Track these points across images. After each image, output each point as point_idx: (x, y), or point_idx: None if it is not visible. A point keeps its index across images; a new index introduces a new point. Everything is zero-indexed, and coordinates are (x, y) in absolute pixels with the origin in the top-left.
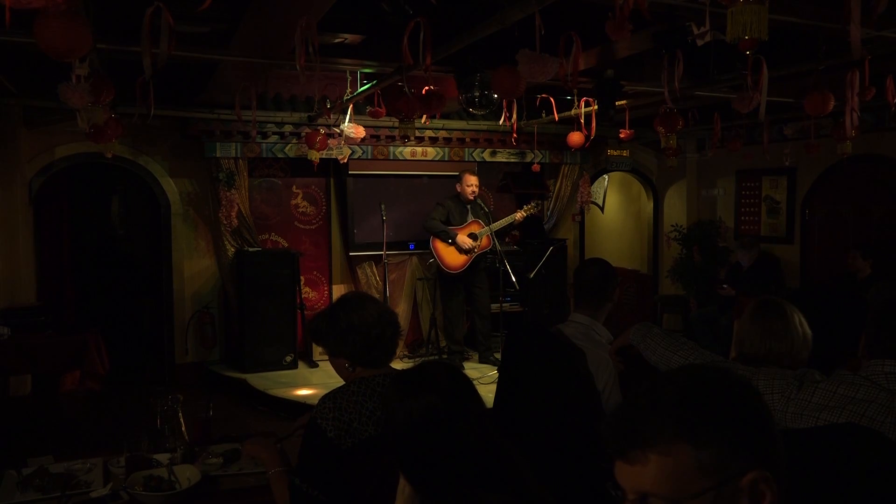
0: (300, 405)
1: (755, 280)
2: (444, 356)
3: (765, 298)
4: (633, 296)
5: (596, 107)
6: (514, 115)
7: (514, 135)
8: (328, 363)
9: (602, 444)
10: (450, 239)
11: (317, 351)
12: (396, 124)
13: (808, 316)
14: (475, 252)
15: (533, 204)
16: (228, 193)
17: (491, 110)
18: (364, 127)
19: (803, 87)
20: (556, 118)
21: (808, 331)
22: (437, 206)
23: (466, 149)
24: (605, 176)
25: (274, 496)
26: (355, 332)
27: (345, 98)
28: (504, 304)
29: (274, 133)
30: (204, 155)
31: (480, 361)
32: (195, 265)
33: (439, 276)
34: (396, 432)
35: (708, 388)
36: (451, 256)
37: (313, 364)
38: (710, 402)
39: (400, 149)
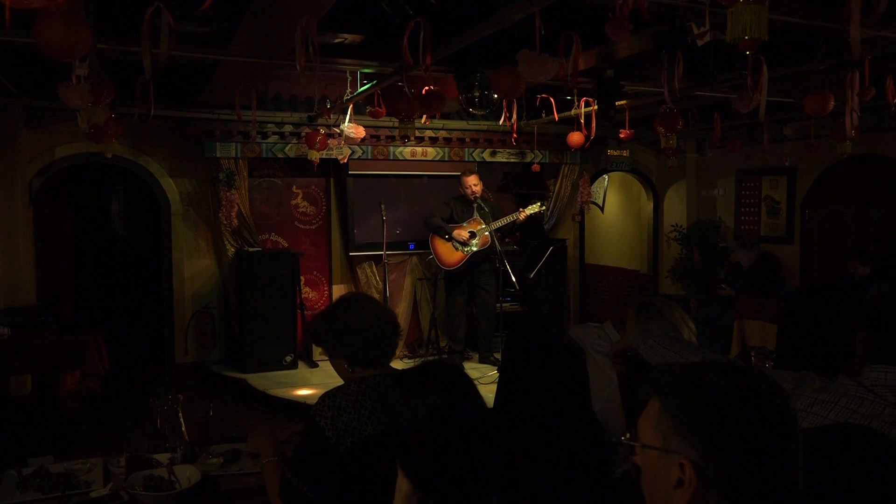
0: (300, 405)
1: (755, 280)
2: (444, 356)
3: (643, 300)
4: (633, 296)
5: (596, 107)
6: (514, 115)
7: (514, 135)
8: (328, 363)
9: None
10: (446, 235)
11: (317, 351)
12: (396, 124)
13: (808, 316)
14: (472, 250)
15: (539, 203)
16: (228, 193)
17: (491, 110)
18: (364, 127)
19: (803, 87)
20: (556, 118)
21: (693, 326)
22: (443, 204)
23: (466, 149)
24: (605, 176)
25: (265, 483)
26: (353, 333)
27: (345, 98)
28: (504, 304)
29: (274, 133)
30: (204, 155)
31: (480, 361)
32: (195, 265)
33: (444, 274)
34: (400, 431)
35: (708, 379)
36: (447, 253)
37: (313, 364)
38: (691, 389)
39: (400, 149)
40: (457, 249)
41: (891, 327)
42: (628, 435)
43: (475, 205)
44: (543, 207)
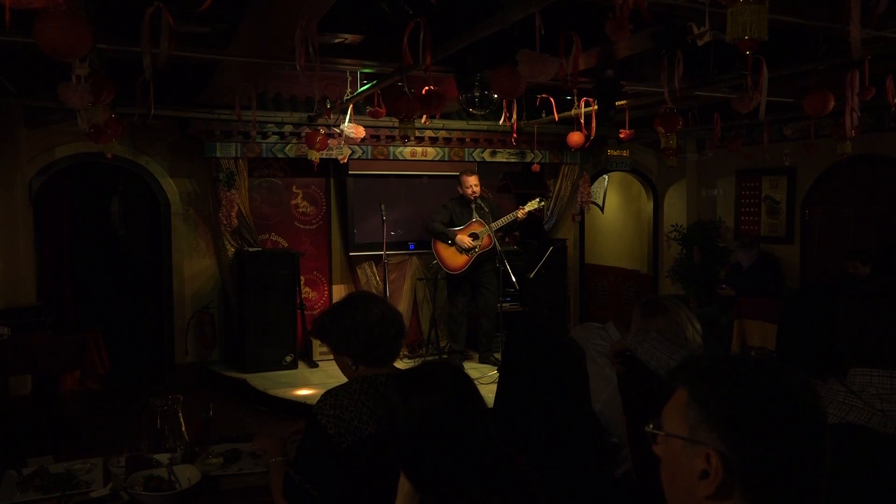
0: (300, 405)
1: (755, 280)
2: (444, 356)
3: (649, 298)
4: (633, 296)
5: (596, 107)
6: (514, 115)
7: (514, 135)
8: (328, 363)
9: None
10: (449, 240)
11: (317, 351)
12: (396, 124)
13: (808, 316)
14: (476, 252)
15: (537, 199)
16: (228, 193)
17: (491, 110)
18: (364, 127)
19: (803, 87)
20: (556, 118)
21: (699, 325)
22: (442, 208)
23: (466, 149)
24: (605, 176)
25: (270, 482)
26: (358, 331)
27: (345, 98)
28: (504, 304)
29: (274, 133)
30: (204, 155)
31: (480, 361)
32: (195, 265)
33: (447, 275)
34: (398, 431)
35: (739, 372)
36: (451, 257)
37: (313, 364)
38: (722, 381)
39: (400, 149)
40: (461, 253)
41: (870, 330)
42: (652, 425)
43: (473, 205)
44: (543, 203)
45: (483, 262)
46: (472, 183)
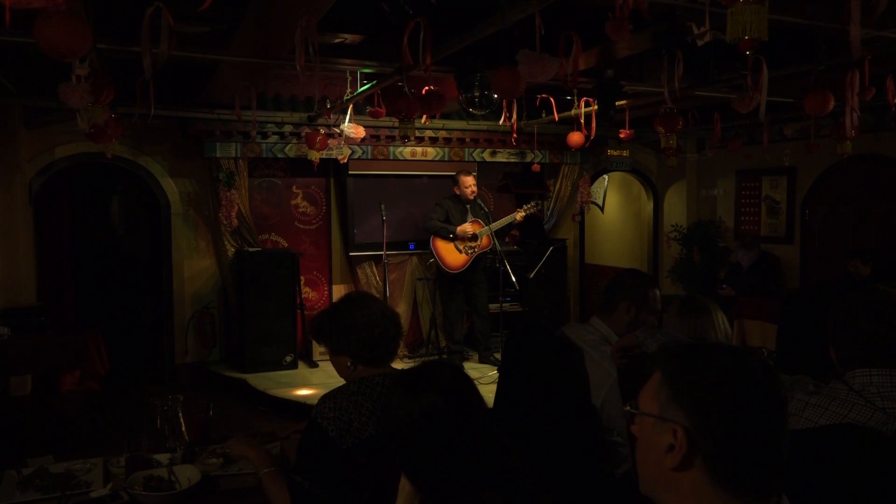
0: (300, 405)
1: (755, 280)
2: (444, 356)
3: (689, 296)
4: None
5: (596, 107)
6: (514, 115)
7: (514, 135)
8: (328, 363)
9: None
10: (451, 234)
11: (317, 351)
12: (396, 124)
13: (809, 316)
14: (475, 251)
15: (533, 203)
16: (228, 193)
17: (491, 110)
18: (364, 127)
19: (803, 87)
20: (556, 118)
21: (728, 329)
22: (436, 205)
23: (466, 149)
24: (605, 176)
25: (269, 496)
26: (357, 330)
27: (345, 98)
28: (504, 304)
29: (274, 133)
30: (204, 155)
31: (480, 361)
32: (195, 265)
33: (439, 275)
34: (398, 431)
35: (707, 354)
36: (451, 256)
37: (313, 364)
38: (691, 363)
39: (400, 149)
40: (460, 252)
41: (858, 333)
42: (629, 406)
43: (469, 206)
44: (538, 207)
45: (478, 261)
46: (472, 183)
